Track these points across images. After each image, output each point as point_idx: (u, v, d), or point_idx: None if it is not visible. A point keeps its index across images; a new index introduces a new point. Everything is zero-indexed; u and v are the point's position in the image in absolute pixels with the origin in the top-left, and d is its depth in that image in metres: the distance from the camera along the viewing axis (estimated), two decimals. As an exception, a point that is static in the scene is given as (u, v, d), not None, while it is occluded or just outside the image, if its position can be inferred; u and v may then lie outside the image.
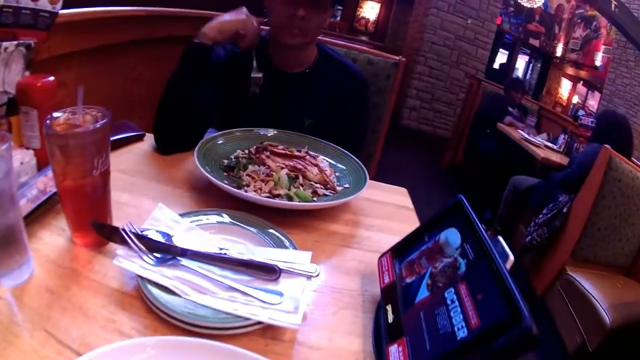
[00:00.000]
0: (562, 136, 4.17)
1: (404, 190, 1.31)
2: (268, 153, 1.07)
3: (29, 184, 0.79)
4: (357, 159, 1.20)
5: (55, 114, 0.70)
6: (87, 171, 0.69)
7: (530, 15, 7.13)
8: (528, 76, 7.75)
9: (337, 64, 1.41)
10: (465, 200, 0.71)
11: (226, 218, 0.87)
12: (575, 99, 6.44)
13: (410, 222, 1.11)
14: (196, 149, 1.04)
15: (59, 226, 0.79)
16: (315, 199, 1.01)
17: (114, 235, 0.72)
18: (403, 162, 5.00)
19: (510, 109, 4.37)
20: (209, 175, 0.94)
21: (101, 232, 0.73)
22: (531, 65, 7.87)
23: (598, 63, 6.26)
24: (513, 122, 4.24)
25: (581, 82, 6.33)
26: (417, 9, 7.06)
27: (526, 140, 3.81)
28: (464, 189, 3.64)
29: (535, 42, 7.34)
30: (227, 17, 1.18)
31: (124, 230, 0.71)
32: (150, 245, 0.72)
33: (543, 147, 3.84)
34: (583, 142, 3.88)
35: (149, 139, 1.25)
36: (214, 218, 0.86)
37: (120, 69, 1.53)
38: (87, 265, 0.71)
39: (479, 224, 0.65)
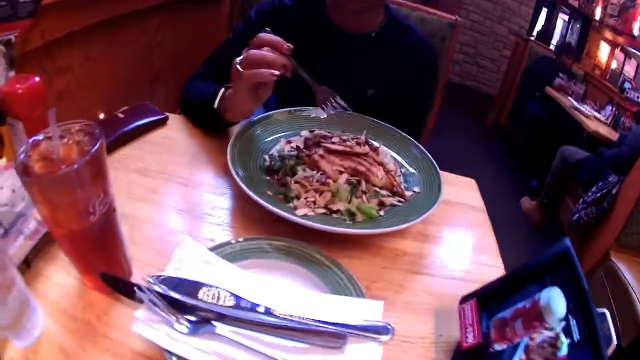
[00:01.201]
0: (609, 107, 3.81)
1: (472, 182, 1.07)
2: (321, 151, 0.81)
3: (25, 215, 0.59)
4: (424, 149, 0.95)
5: (35, 138, 0.49)
6: (81, 218, 0.50)
7: None
8: (568, 37, 7.28)
9: (406, 29, 1.17)
10: (573, 252, 0.51)
11: (271, 252, 0.65)
12: (614, 64, 6.03)
13: (483, 231, 0.89)
14: (229, 148, 0.80)
15: (67, 260, 0.60)
16: (381, 213, 0.77)
17: (130, 291, 0.51)
18: (446, 119, 4.68)
19: (560, 74, 3.98)
20: (247, 191, 0.70)
21: (114, 287, 0.54)
22: (570, 25, 7.39)
23: (636, 32, 5.81)
24: (564, 86, 3.87)
25: (619, 47, 5.89)
26: None
27: (575, 108, 3.47)
28: (508, 151, 3.42)
29: (574, 3, 6.85)
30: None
31: (141, 289, 0.50)
32: (178, 306, 0.51)
33: (592, 118, 3.50)
34: (629, 116, 3.54)
35: (174, 121, 1.03)
36: (254, 250, 0.65)
37: (135, 40, 1.27)
38: (103, 318, 0.56)
39: (589, 293, 0.48)
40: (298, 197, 0.74)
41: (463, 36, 5.97)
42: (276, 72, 0.76)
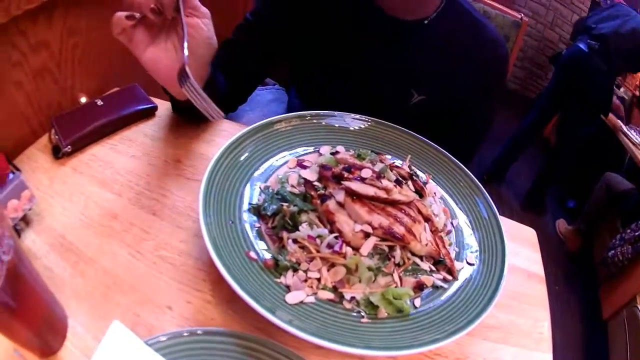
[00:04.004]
0: None
1: (531, 234, 0.75)
2: (341, 195, 0.49)
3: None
4: (486, 194, 0.63)
5: None
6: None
7: None
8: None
9: (472, 21, 0.81)
10: None
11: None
12: None
13: (540, 313, 0.58)
14: (207, 170, 0.51)
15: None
16: (417, 303, 0.47)
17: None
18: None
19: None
20: (212, 254, 0.42)
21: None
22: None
23: None
24: (618, 105, 3.39)
25: None
26: None
27: (624, 133, 3.02)
28: (551, 167, 3.05)
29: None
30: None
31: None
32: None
33: (639, 146, 3.06)
34: None
35: (165, 112, 0.76)
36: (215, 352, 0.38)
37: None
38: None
39: None
40: (295, 268, 0.45)
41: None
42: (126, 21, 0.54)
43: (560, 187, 3.37)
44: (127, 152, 0.67)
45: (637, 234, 2.25)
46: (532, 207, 3.01)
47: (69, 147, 0.65)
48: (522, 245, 0.70)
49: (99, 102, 0.74)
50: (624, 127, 3.10)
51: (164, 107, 0.77)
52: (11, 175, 0.53)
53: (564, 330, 2.23)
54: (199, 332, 0.40)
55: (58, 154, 0.65)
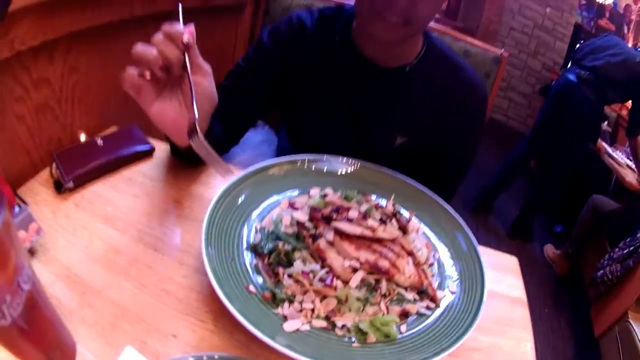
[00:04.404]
0: None
1: (513, 262, 0.81)
2: (331, 235, 0.56)
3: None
4: (466, 228, 0.70)
5: None
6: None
7: (601, 11, 6.38)
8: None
9: (450, 65, 0.88)
10: None
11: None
12: None
13: (523, 335, 0.64)
14: (208, 210, 0.58)
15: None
16: (402, 329, 0.53)
17: None
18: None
19: None
20: (216, 287, 0.48)
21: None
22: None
23: None
24: (603, 130, 3.51)
25: None
26: None
27: (609, 155, 3.14)
28: (537, 196, 3.12)
29: (609, 37, 6.60)
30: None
31: None
32: None
33: (625, 167, 3.16)
34: None
35: (162, 154, 0.82)
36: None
37: (127, 51, 1.02)
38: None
39: None
40: (291, 300, 0.51)
41: (497, 68, 5.78)
42: (138, 78, 0.57)
43: (548, 211, 3.46)
44: (127, 191, 0.72)
45: (625, 252, 2.29)
46: (519, 235, 3.09)
47: (71, 182, 0.70)
48: (505, 273, 0.76)
49: (99, 141, 0.79)
50: (608, 149, 3.21)
51: (161, 148, 0.83)
52: (17, 208, 0.56)
53: (555, 349, 2.28)
54: (204, 357, 0.45)
55: (60, 189, 0.70)
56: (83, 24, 0.79)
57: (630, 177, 2.90)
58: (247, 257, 0.57)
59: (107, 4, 0.85)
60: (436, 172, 0.90)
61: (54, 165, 0.74)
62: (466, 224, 0.71)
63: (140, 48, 0.56)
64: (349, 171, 0.75)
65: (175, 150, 0.77)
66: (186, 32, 0.57)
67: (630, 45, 6.03)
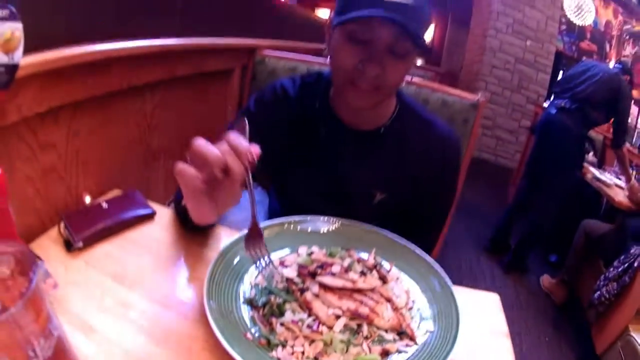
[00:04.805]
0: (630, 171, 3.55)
1: (494, 299, 0.90)
2: (316, 288, 0.67)
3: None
4: (442, 274, 0.79)
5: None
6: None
7: (582, 34, 6.57)
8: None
9: (422, 123, 0.97)
10: None
11: None
12: (630, 120, 5.90)
13: None
14: (209, 270, 0.67)
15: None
16: (385, 367, 0.62)
17: None
18: (463, 196, 4.52)
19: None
20: (219, 336, 0.57)
21: None
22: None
23: None
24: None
25: (632, 101, 5.77)
26: (474, 29, 6.27)
27: (597, 179, 3.26)
28: (529, 229, 3.18)
29: (589, 62, 6.78)
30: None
31: None
32: None
33: (613, 187, 3.27)
34: None
35: (163, 219, 0.92)
36: None
37: (130, 119, 1.14)
38: None
39: None
40: (283, 345, 0.60)
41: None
42: (199, 181, 0.57)
43: (542, 242, 3.53)
44: (133, 251, 0.81)
45: (620, 269, 2.32)
46: (514, 270, 3.16)
47: (81, 243, 0.79)
48: (486, 308, 0.86)
49: (104, 205, 0.89)
50: (596, 173, 3.32)
51: (161, 212, 0.93)
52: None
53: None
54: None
55: (70, 248, 0.79)
56: (85, 93, 0.89)
57: (620, 196, 2.96)
58: (244, 309, 0.66)
59: (106, 75, 0.95)
60: (415, 225, 0.99)
61: (62, 224, 0.83)
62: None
63: (204, 148, 0.56)
64: (331, 229, 0.86)
65: (185, 216, 0.78)
66: (253, 151, 0.59)
67: (613, 60, 6.23)
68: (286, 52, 1.57)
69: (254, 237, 0.66)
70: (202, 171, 0.56)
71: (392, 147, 0.95)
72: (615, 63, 3.14)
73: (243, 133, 0.63)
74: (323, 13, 8.53)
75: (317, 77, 0.99)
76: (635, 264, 2.25)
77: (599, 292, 2.39)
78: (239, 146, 0.58)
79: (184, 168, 0.57)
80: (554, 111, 3.02)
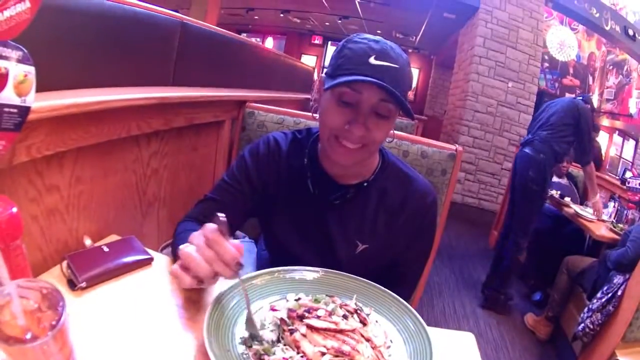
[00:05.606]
0: (611, 203, 3.69)
1: (469, 338, 0.99)
2: (304, 329, 0.77)
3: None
4: (418, 317, 0.89)
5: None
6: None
7: (564, 69, 6.77)
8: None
9: (402, 178, 1.08)
10: None
11: None
12: (613, 151, 6.07)
13: None
14: (207, 315, 0.76)
15: None
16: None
17: None
18: (448, 241, 4.63)
19: (558, 179, 3.92)
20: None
21: None
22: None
23: (633, 110, 5.91)
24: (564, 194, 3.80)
25: (617, 132, 5.98)
26: (457, 74, 6.54)
27: (578, 215, 3.40)
28: (514, 268, 3.28)
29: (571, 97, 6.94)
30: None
31: None
32: None
33: (595, 221, 3.41)
34: (632, 207, 3.36)
35: (161, 264, 1.00)
36: None
37: (128, 166, 1.23)
38: None
39: None
40: (277, 379, 0.70)
41: (464, 154, 5.91)
42: (193, 284, 0.76)
43: (524, 283, 3.68)
44: (133, 294, 0.88)
45: (604, 300, 2.41)
46: (492, 306, 3.23)
47: (84, 283, 0.85)
48: (462, 347, 0.95)
49: (105, 249, 0.97)
50: (577, 209, 3.45)
51: (158, 258, 1.01)
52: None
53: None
54: None
55: (74, 287, 0.85)
56: (88, 139, 0.98)
57: (601, 230, 3.08)
58: (240, 348, 0.75)
59: (108, 123, 1.04)
60: (395, 273, 1.09)
61: (64, 264, 0.89)
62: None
63: (195, 264, 0.74)
64: (316, 277, 0.95)
65: None
66: (237, 256, 0.75)
67: (597, 92, 6.44)
68: (274, 106, 1.67)
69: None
70: (194, 278, 0.74)
71: (374, 200, 1.06)
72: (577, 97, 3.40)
73: (224, 230, 0.76)
74: (309, 60, 9.18)
75: (306, 134, 1.10)
76: (619, 293, 2.34)
77: (582, 325, 2.48)
78: (225, 254, 0.73)
79: (180, 275, 0.75)
80: (521, 149, 3.29)
